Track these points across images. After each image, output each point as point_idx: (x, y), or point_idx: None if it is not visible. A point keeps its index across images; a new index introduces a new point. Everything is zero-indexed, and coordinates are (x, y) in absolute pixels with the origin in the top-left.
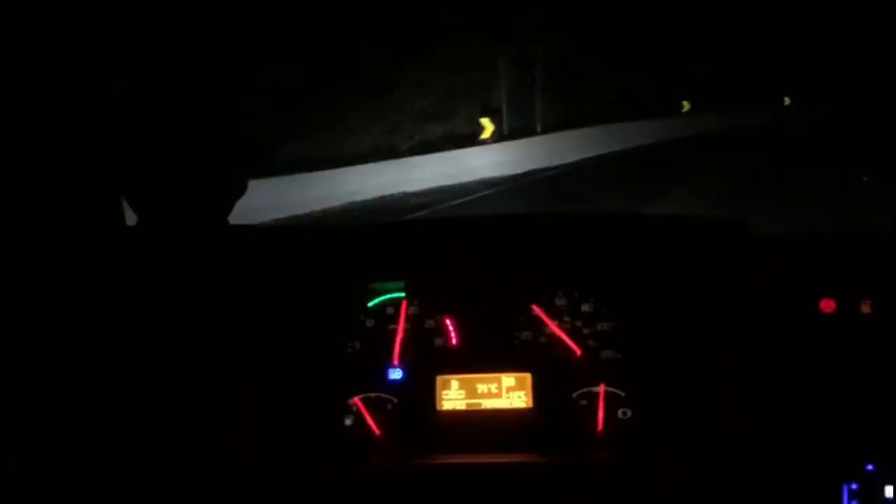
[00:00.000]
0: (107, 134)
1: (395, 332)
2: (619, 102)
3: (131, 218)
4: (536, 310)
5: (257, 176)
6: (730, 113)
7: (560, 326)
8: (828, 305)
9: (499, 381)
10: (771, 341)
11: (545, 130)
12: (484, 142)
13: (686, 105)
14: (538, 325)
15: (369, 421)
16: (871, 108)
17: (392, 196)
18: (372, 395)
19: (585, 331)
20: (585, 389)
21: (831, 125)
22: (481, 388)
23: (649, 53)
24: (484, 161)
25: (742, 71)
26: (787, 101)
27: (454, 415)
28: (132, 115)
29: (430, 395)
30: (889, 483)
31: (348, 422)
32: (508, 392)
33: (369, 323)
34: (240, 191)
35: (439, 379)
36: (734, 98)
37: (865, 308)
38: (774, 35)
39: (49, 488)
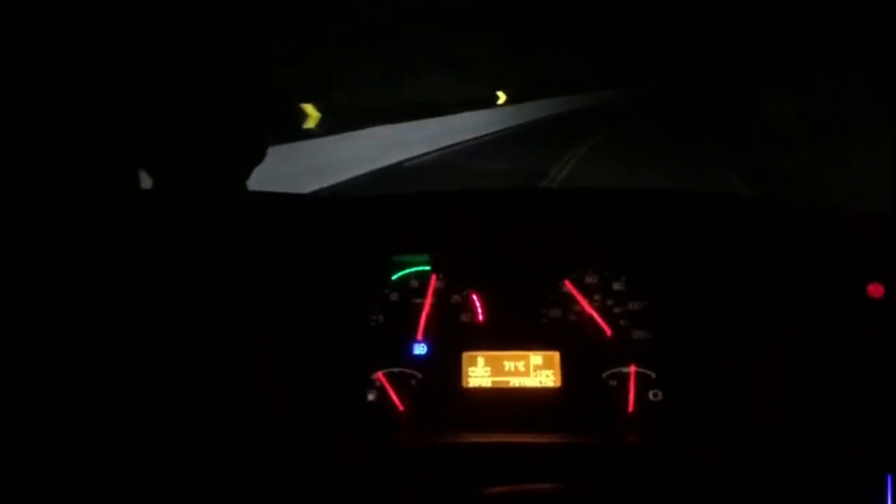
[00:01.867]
0: (119, 95)
1: (419, 306)
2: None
3: (146, 181)
4: (567, 287)
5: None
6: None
7: (590, 304)
8: (876, 290)
9: (526, 359)
10: (813, 326)
11: None
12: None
13: (502, 96)
14: (567, 302)
15: (393, 396)
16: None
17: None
18: (396, 370)
19: (616, 310)
20: (615, 370)
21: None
22: (508, 365)
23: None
24: None
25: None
26: (501, 96)
27: (480, 392)
28: (144, 76)
29: (456, 371)
30: None
31: (371, 397)
32: (536, 370)
33: (393, 297)
34: (259, 155)
35: (465, 355)
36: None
37: None
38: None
39: (62, 455)
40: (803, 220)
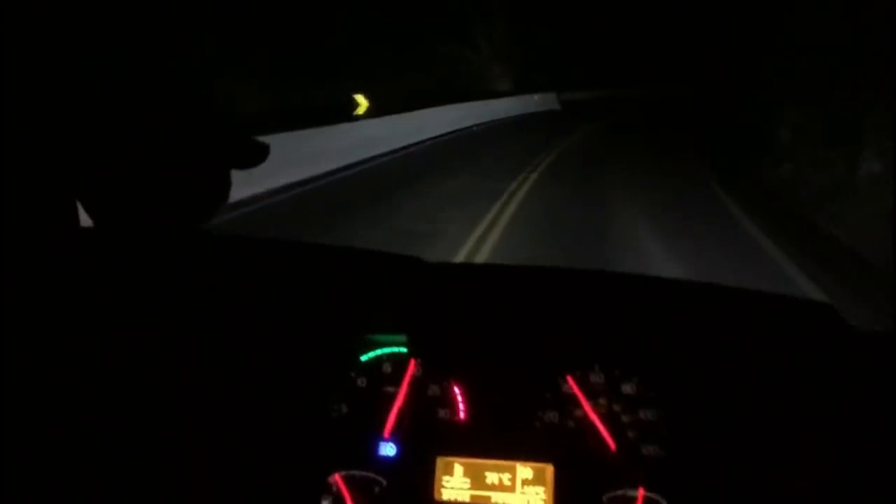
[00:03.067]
0: (55, 121)
1: (391, 396)
2: None
3: (86, 219)
4: (568, 385)
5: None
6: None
7: (594, 409)
8: None
9: (513, 472)
10: (858, 457)
11: None
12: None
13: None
14: (567, 404)
15: None
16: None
17: None
18: (357, 473)
19: (624, 418)
20: (620, 492)
21: None
22: (491, 477)
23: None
24: None
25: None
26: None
27: None
28: (85, 103)
29: (428, 480)
30: None
31: (325, 503)
32: (524, 486)
33: (361, 382)
34: (220, 194)
35: (440, 461)
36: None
37: None
38: None
39: None
40: (859, 336)
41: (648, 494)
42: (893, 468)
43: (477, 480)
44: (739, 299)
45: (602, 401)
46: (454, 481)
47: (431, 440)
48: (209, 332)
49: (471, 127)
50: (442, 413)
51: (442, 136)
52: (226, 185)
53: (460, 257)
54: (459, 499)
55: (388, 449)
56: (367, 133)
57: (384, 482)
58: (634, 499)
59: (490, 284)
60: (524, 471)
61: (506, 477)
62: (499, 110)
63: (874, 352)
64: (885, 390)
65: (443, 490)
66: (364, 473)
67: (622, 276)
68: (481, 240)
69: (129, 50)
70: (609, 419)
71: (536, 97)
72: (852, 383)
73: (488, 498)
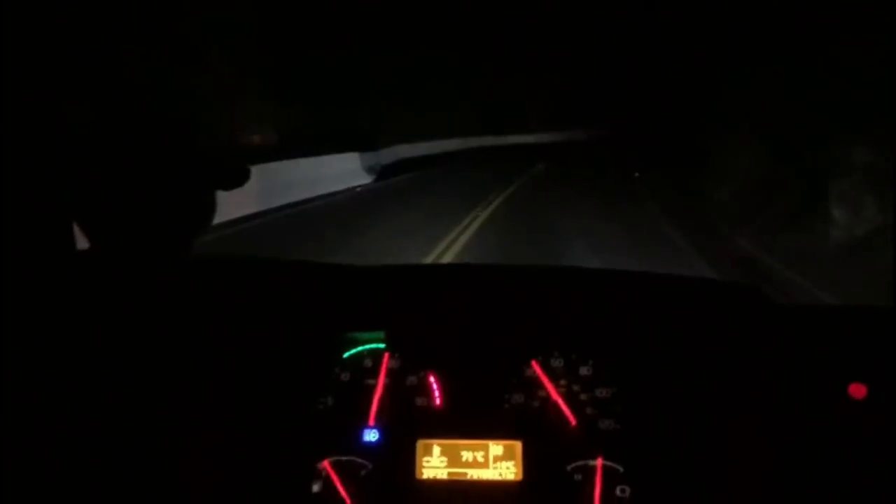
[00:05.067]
0: (53, 146)
1: (372, 388)
2: None
3: (83, 242)
4: (532, 370)
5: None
6: None
7: (556, 390)
8: (858, 391)
9: (486, 449)
10: (789, 425)
11: None
12: None
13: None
14: (531, 387)
15: (340, 488)
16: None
17: None
18: (344, 458)
19: (583, 396)
20: (581, 462)
21: None
22: (466, 455)
23: None
24: None
25: None
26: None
27: (435, 485)
28: (82, 128)
29: (409, 461)
30: None
31: (316, 488)
32: (496, 462)
33: (344, 377)
34: (206, 217)
35: (420, 444)
36: None
37: None
38: None
39: None
40: (783, 312)
41: (606, 463)
42: (826, 423)
43: (454, 459)
44: (676, 286)
45: (562, 382)
46: (433, 461)
47: (411, 425)
48: (203, 342)
49: None
50: (420, 401)
51: None
52: (209, 209)
53: None
54: (438, 476)
55: (371, 435)
56: None
57: (370, 465)
58: (595, 468)
59: (457, 282)
60: (496, 448)
61: (479, 454)
62: None
63: (798, 324)
64: (807, 356)
65: (423, 469)
66: (351, 458)
67: (575, 270)
68: None
69: (127, 70)
70: (569, 398)
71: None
72: (779, 353)
73: (465, 474)
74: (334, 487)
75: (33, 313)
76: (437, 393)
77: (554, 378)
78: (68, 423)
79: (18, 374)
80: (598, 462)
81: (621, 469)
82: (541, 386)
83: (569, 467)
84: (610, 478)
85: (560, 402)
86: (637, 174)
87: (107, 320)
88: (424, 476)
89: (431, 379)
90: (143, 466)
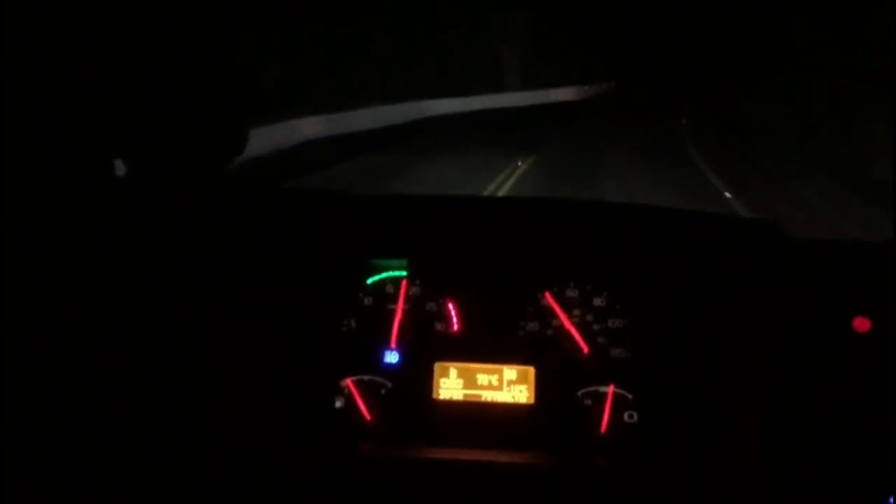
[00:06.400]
0: (94, 81)
1: (393, 312)
2: None
3: (121, 168)
4: (546, 299)
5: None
6: None
7: (569, 319)
8: (862, 324)
9: (500, 373)
10: (795, 356)
11: None
12: None
13: None
14: (546, 316)
15: (360, 405)
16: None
17: None
18: (365, 377)
19: (596, 326)
20: (592, 388)
21: None
22: (481, 378)
23: None
24: None
25: None
26: None
27: (451, 405)
28: (121, 62)
29: (427, 382)
30: None
31: (339, 404)
32: (509, 385)
33: (367, 301)
34: (239, 144)
35: (437, 366)
36: None
37: None
38: None
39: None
40: (791, 245)
41: (617, 390)
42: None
43: (469, 382)
44: (692, 220)
45: (576, 312)
46: (450, 383)
47: (430, 348)
48: (238, 267)
49: None
50: (438, 326)
51: None
52: (241, 137)
53: None
54: (454, 397)
55: (392, 357)
56: None
57: (389, 384)
58: (605, 394)
59: (476, 214)
60: (510, 372)
61: (494, 378)
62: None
63: (805, 258)
64: (813, 289)
65: (440, 390)
66: (372, 377)
67: (594, 203)
68: None
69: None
70: (582, 328)
71: None
72: (787, 286)
73: (479, 395)
74: (355, 404)
75: (79, 233)
76: (454, 319)
77: (568, 308)
78: (120, 332)
79: (67, 289)
80: (610, 389)
81: (630, 396)
82: (555, 315)
83: (579, 393)
84: (619, 403)
85: (573, 330)
86: (684, 121)
87: (148, 239)
88: (441, 396)
89: (450, 305)
90: (178, 377)
